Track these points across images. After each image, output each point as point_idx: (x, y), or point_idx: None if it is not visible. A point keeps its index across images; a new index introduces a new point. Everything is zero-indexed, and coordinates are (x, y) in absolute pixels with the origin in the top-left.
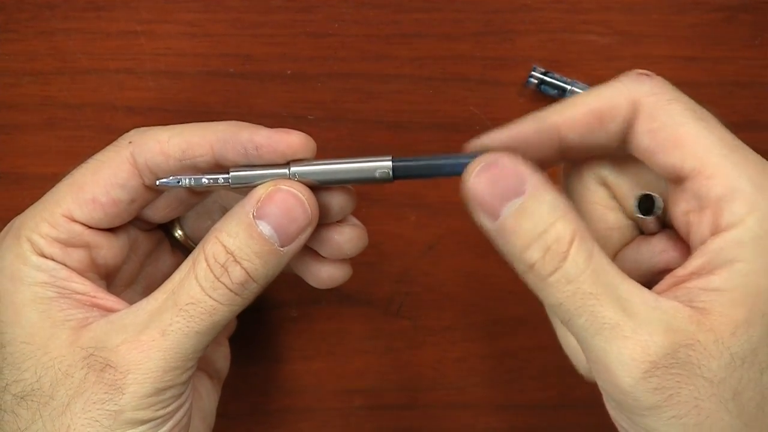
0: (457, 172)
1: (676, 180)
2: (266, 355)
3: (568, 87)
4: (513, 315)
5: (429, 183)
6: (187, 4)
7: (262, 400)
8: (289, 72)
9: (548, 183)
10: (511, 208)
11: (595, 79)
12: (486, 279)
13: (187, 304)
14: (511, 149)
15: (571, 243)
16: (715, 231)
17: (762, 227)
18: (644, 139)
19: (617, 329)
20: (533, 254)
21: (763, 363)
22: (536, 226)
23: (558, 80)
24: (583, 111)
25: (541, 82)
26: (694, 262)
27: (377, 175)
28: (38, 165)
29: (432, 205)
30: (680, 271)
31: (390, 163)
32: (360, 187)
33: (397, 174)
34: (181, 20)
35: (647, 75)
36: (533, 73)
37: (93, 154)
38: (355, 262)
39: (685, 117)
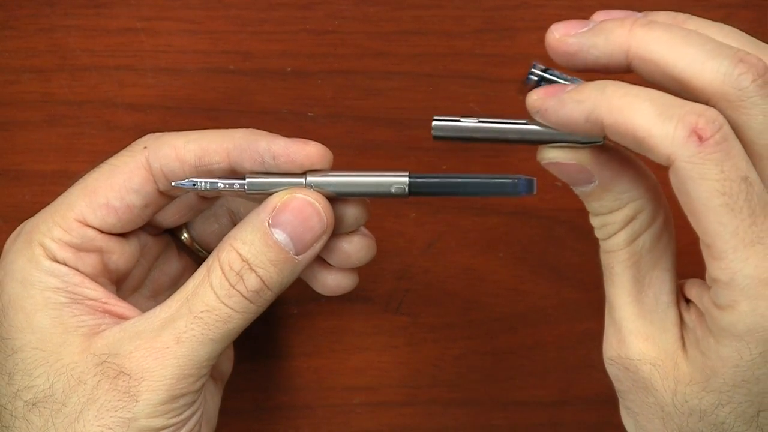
0: (474, 193)
1: None
2: (266, 351)
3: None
4: (513, 312)
5: None
6: (188, 0)
7: (262, 396)
8: (289, 69)
9: (622, 172)
10: (581, 189)
11: (595, 76)
12: (486, 276)
13: (201, 312)
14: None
15: (619, 230)
16: (713, 304)
17: (749, 322)
18: (674, 188)
19: (615, 310)
20: (594, 221)
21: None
22: (600, 209)
23: (558, 77)
24: (624, 129)
25: (541, 79)
26: (702, 303)
27: (393, 190)
28: (38, 162)
29: (432, 203)
30: (699, 297)
31: (407, 179)
32: None
33: (413, 190)
34: (181, 17)
35: (700, 138)
36: (533, 70)
37: (93, 151)
38: None
39: (710, 200)
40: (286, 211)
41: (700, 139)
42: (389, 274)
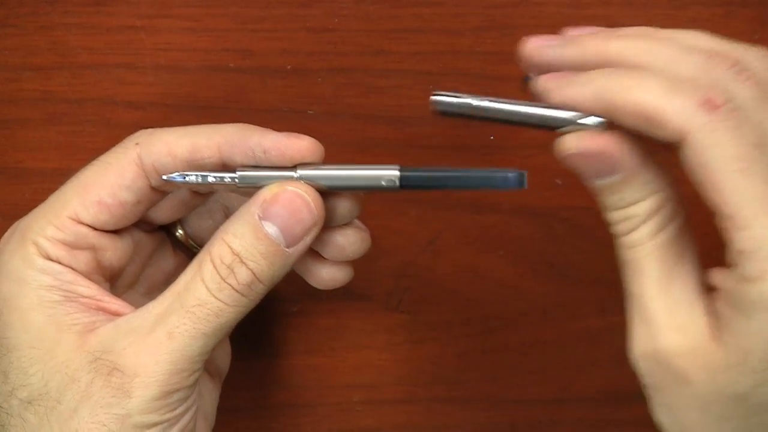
0: (465, 186)
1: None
2: (265, 349)
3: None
4: (513, 310)
5: None
6: None
7: (261, 394)
8: (289, 67)
9: (644, 162)
10: (603, 181)
11: None
12: (486, 274)
13: (193, 306)
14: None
15: (642, 222)
16: (740, 279)
17: None
18: (688, 166)
19: (643, 305)
20: (613, 216)
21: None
22: (620, 202)
23: None
24: (633, 107)
25: None
26: (727, 284)
27: (383, 183)
28: (38, 160)
29: (432, 200)
30: (723, 279)
31: (397, 173)
32: None
33: (404, 184)
34: (181, 15)
35: (712, 107)
36: None
37: (93, 148)
38: None
39: (726, 166)
40: (277, 203)
41: (713, 108)
42: (389, 271)
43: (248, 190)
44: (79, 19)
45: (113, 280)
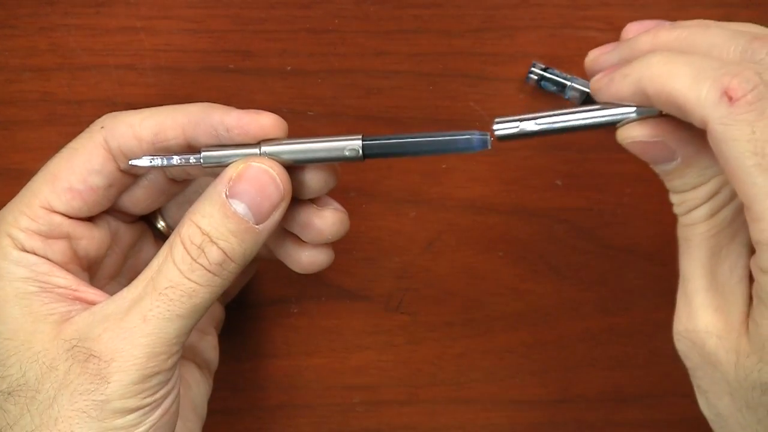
0: (429, 151)
1: None
2: (265, 350)
3: (568, 83)
4: (513, 311)
5: (429, 178)
6: None
7: (261, 395)
8: (289, 68)
9: (701, 149)
10: (662, 167)
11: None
12: (486, 275)
13: (166, 288)
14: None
15: (700, 204)
16: (759, 270)
17: None
18: (714, 153)
19: (688, 283)
20: (673, 198)
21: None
22: (681, 186)
23: (558, 76)
24: (664, 96)
25: (541, 78)
26: (754, 272)
27: (347, 153)
28: (38, 161)
29: (432, 201)
30: (752, 266)
31: (360, 142)
32: (358, 182)
33: (367, 152)
34: (181, 16)
35: (731, 98)
36: (533, 69)
37: None
38: (355, 258)
39: (742, 161)
40: (242, 180)
41: (731, 99)
42: (389, 273)
43: (214, 169)
44: (79, 20)
45: (92, 270)
